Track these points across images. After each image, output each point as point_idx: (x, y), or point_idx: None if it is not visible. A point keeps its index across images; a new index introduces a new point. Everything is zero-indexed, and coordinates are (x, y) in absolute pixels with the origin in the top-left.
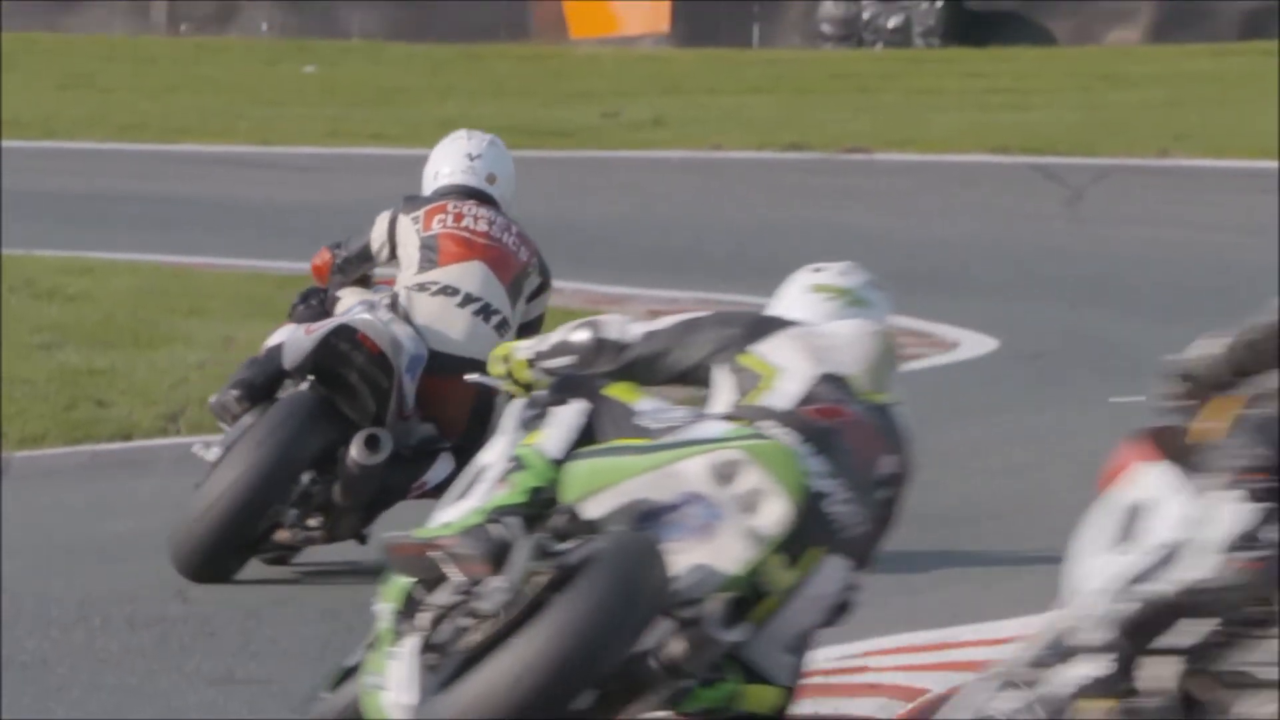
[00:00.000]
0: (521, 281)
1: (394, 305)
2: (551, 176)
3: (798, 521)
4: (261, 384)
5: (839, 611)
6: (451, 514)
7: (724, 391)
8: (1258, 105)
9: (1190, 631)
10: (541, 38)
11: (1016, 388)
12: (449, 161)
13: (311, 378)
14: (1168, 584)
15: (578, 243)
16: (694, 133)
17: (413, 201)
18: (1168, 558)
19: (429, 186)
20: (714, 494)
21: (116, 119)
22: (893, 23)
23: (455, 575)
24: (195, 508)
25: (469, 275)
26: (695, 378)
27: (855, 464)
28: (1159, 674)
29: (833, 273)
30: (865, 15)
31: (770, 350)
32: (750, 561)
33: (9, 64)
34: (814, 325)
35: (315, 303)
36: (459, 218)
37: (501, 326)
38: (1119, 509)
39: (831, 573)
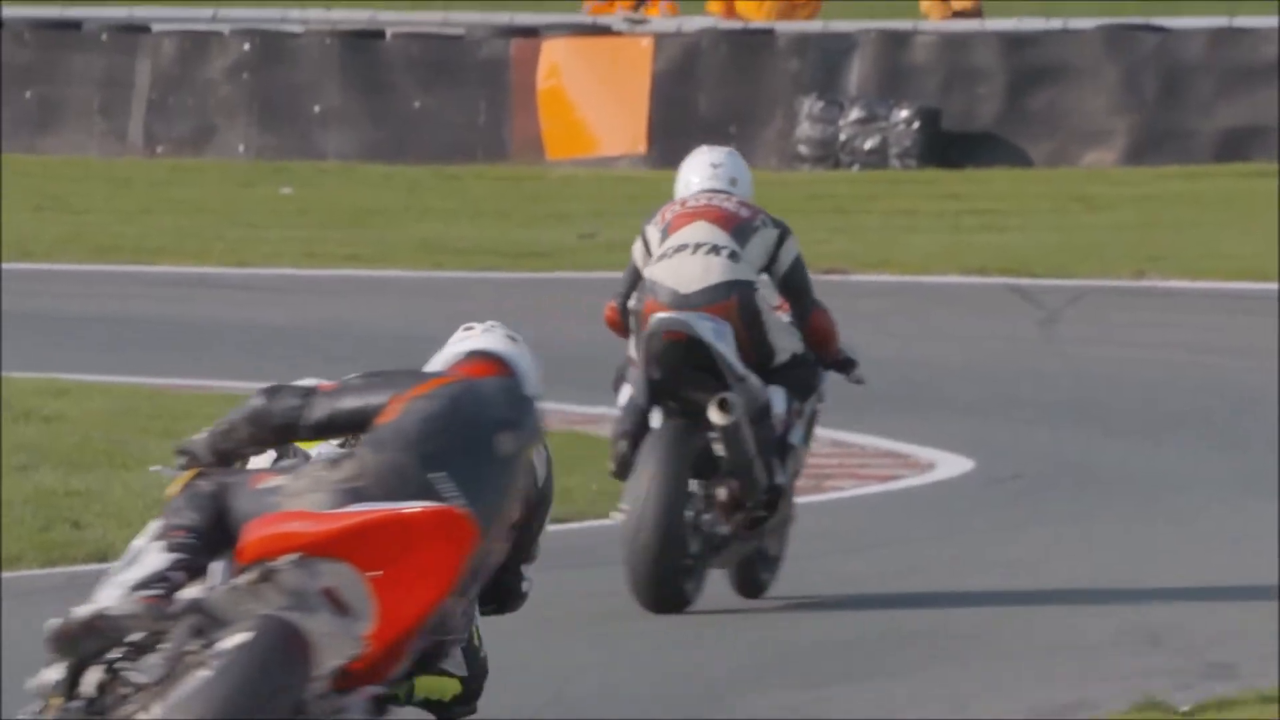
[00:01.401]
0: (747, 231)
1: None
2: (528, 297)
3: None
4: (632, 428)
5: (506, 599)
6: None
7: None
8: (1233, 227)
9: (112, 649)
10: (519, 158)
11: (993, 509)
12: (696, 171)
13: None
14: (85, 609)
15: (555, 364)
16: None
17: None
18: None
19: (681, 195)
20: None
21: (92, 240)
22: (869, 144)
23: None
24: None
25: (692, 231)
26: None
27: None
28: (92, 680)
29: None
30: (842, 137)
31: None
32: None
33: None
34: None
35: None
36: (684, 203)
37: (733, 257)
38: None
39: None
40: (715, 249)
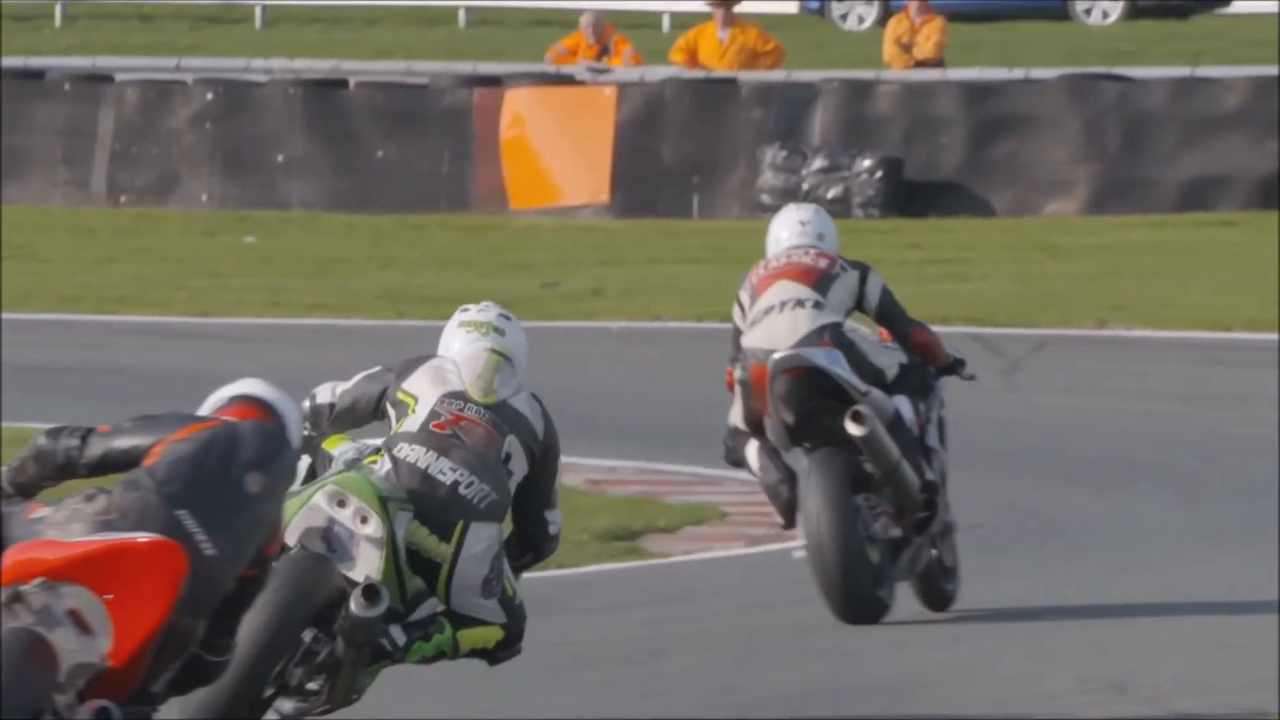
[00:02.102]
0: (828, 280)
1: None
2: None
3: (436, 507)
4: (782, 475)
5: (539, 546)
6: None
7: (391, 423)
8: (1195, 277)
9: None
10: (482, 208)
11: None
12: (786, 228)
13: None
14: None
15: None
16: (634, 303)
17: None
18: None
19: (772, 253)
20: (339, 515)
21: (55, 290)
22: (832, 193)
23: None
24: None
25: (776, 291)
26: (379, 416)
27: (477, 453)
28: None
29: (474, 311)
30: (805, 186)
31: (412, 384)
32: (381, 560)
33: None
34: (443, 357)
35: None
36: (768, 264)
37: (817, 306)
38: None
39: (479, 535)
40: (799, 303)
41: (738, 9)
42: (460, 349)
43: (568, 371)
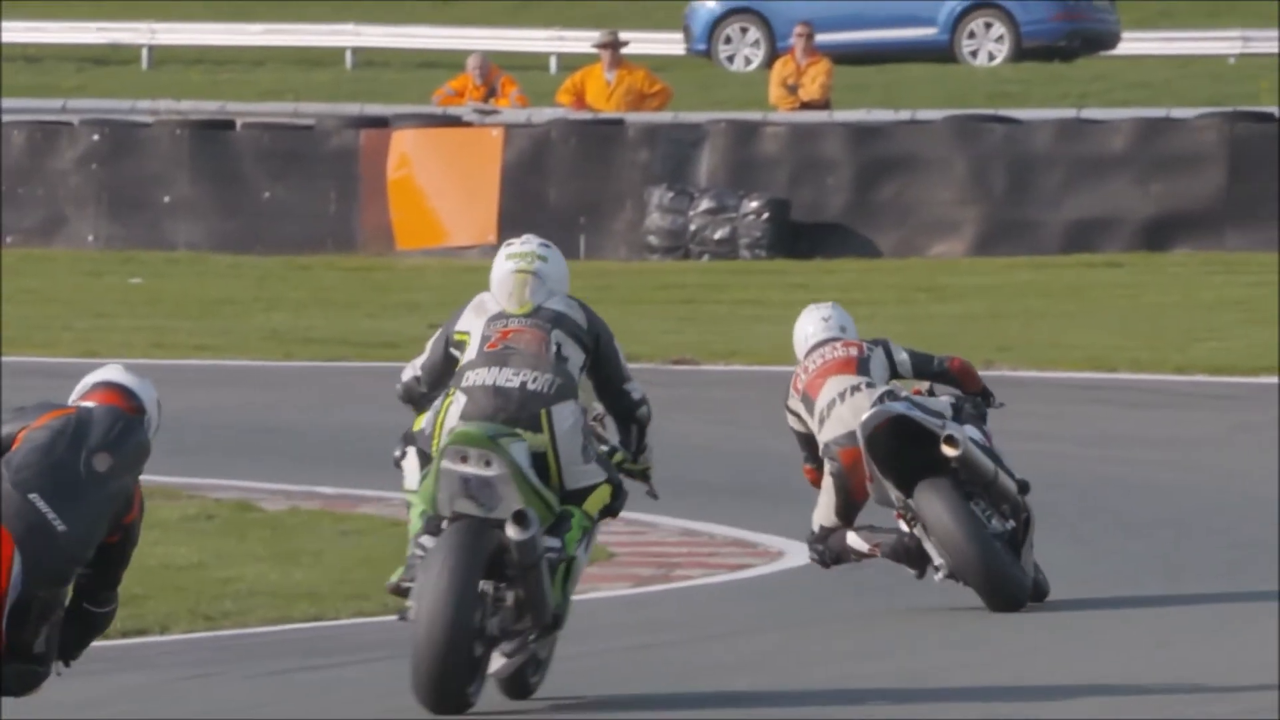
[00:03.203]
0: (865, 363)
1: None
2: (378, 388)
3: (517, 409)
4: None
5: (633, 415)
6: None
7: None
8: (1080, 318)
9: None
10: (368, 249)
11: (840, 599)
12: (811, 324)
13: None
14: None
15: None
16: None
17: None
18: None
19: (801, 349)
20: (468, 469)
21: None
22: (719, 235)
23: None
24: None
25: (830, 388)
26: (453, 364)
27: (531, 353)
28: None
29: (517, 244)
30: (692, 227)
31: (463, 323)
32: (517, 489)
33: None
34: (483, 292)
35: None
36: (807, 368)
37: (869, 385)
38: None
39: (562, 413)
40: (854, 389)
41: (625, 51)
42: (495, 276)
43: None
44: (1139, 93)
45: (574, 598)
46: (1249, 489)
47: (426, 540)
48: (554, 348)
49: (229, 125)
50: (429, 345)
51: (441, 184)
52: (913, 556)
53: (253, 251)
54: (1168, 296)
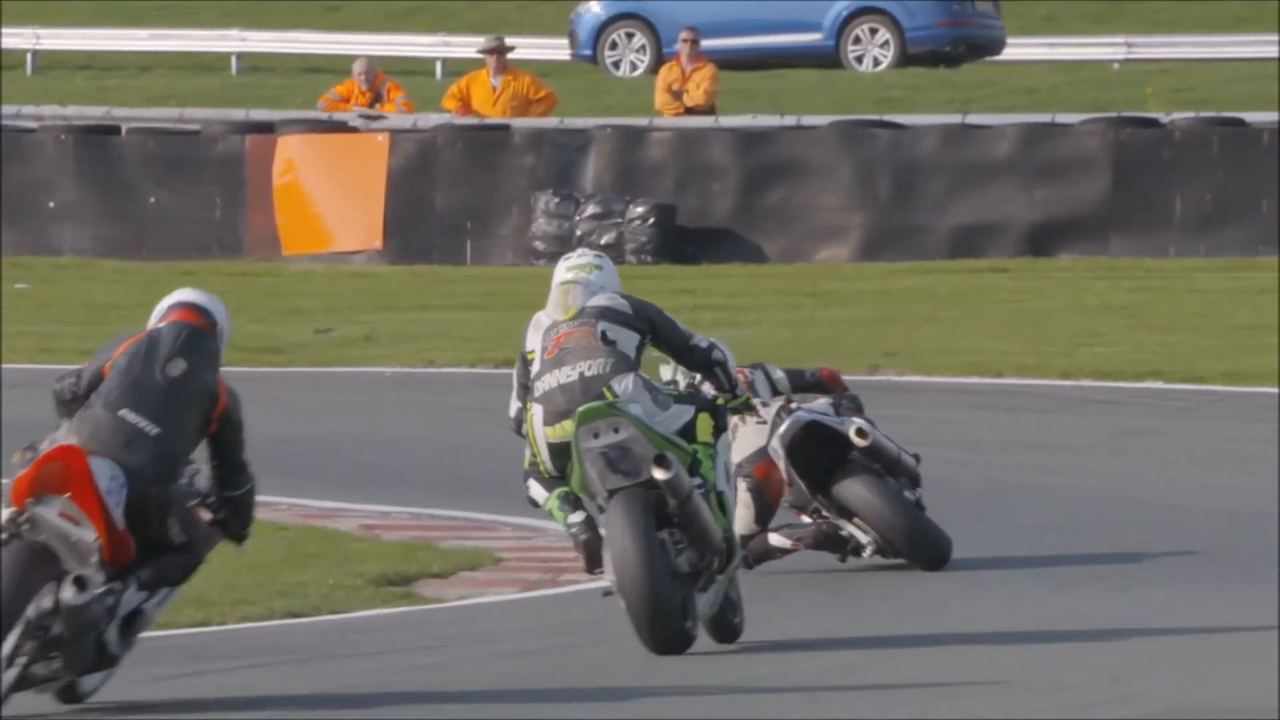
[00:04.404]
0: (753, 386)
1: None
2: (264, 393)
3: (586, 397)
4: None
5: (708, 362)
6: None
7: None
8: (966, 323)
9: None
10: (254, 254)
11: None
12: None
13: None
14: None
15: (291, 459)
16: (407, 349)
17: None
18: None
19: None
20: (604, 442)
21: None
22: (605, 240)
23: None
24: None
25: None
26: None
27: (581, 347)
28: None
29: (575, 256)
30: (578, 232)
31: (528, 343)
32: (650, 443)
33: None
34: (539, 311)
35: None
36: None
37: (764, 406)
38: None
39: (619, 385)
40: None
41: (510, 56)
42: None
43: (341, 417)
44: (1024, 98)
45: (466, 602)
46: (1135, 494)
47: (576, 517)
48: (600, 336)
49: (114, 131)
50: (513, 377)
51: (327, 189)
52: (833, 542)
53: (139, 257)
54: (1053, 302)
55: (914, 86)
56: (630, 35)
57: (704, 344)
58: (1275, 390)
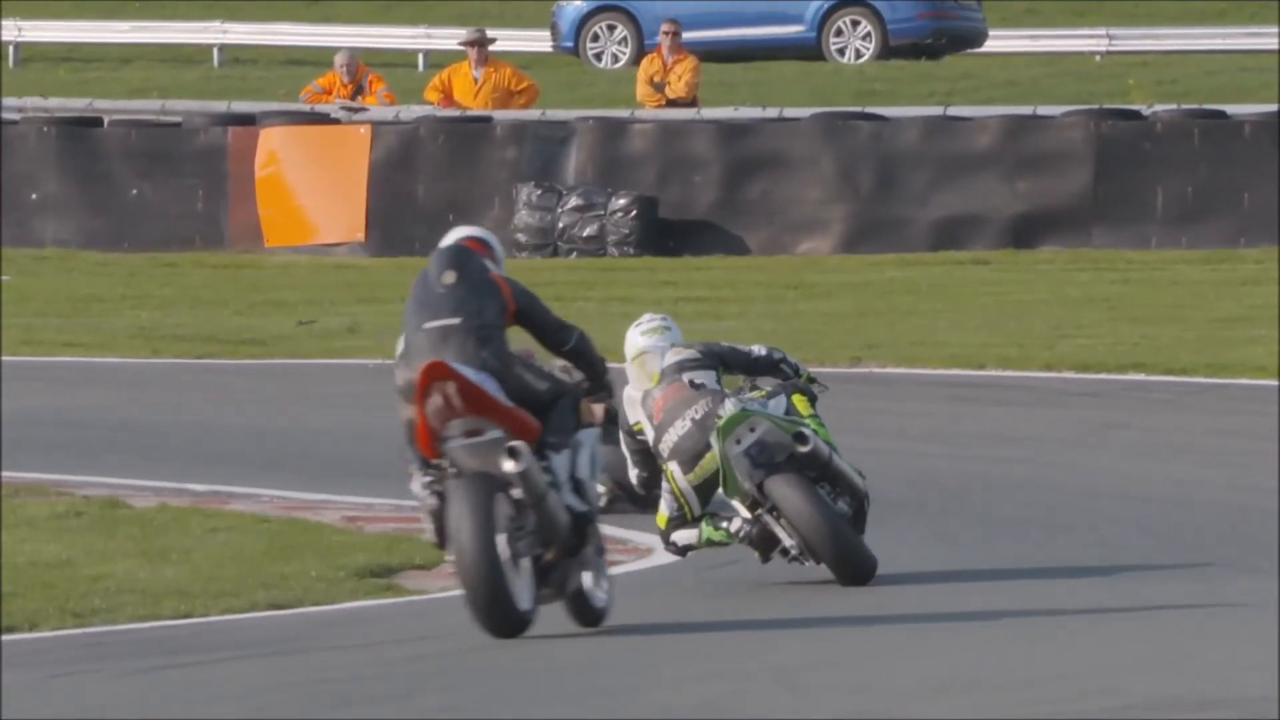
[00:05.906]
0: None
1: None
2: (245, 385)
3: (701, 443)
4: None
5: (764, 363)
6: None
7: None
8: (947, 315)
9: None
10: (236, 246)
11: (709, 596)
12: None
13: None
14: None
15: (272, 450)
16: (389, 341)
17: None
18: None
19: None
20: (756, 435)
21: None
22: (587, 232)
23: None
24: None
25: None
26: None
27: (680, 397)
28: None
29: (645, 322)
30: (560, 225)
31: (631, 418)
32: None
33: None
34: (627, 389)
35: None
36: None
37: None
38: None
39: (725, 408)
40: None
41: (492, 48)
42: (628, 360)
43: (323, 410)
44: (1006, 91)
45: (449, 594)
46: (1117, 487)
47: (737, 522)
48: (688, 384)
49: (96, 123)
50: (628, 459)
51: (309, 181)
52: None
53: (121, 249)
54: (1035, 294)
55: (895, 79)
56: (612, 27)
57: (762, 351)
58: (1257, 382)
